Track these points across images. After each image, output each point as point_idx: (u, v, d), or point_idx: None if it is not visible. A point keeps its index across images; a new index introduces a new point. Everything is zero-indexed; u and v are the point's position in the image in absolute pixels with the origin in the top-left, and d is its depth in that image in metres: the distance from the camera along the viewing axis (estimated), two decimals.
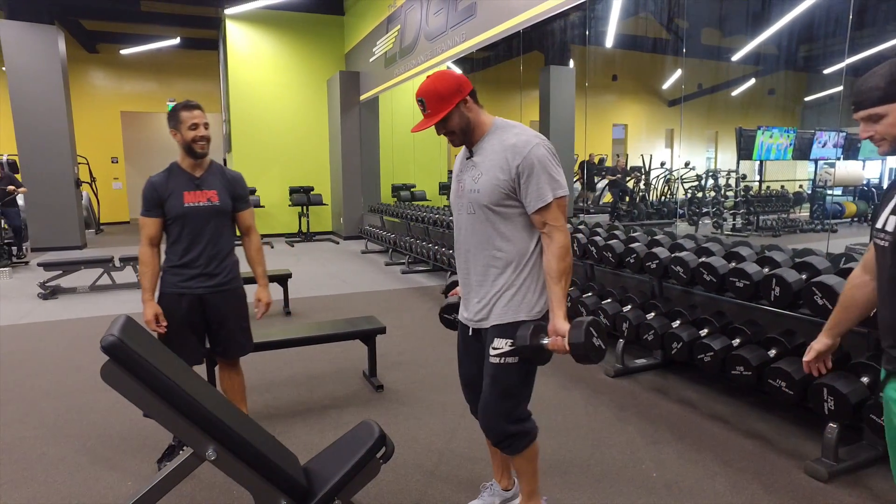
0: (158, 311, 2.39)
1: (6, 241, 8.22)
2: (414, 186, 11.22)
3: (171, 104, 2.55)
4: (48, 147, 9.36)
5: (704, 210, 10.02)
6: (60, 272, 6.19)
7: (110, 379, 1.49)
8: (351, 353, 3.97)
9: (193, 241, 2.44)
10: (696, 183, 10.25)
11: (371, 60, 9.94)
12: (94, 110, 13.56)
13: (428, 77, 1.77)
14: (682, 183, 10.94)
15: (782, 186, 11.38)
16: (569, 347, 1.67)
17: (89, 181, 12.19)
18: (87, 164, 12.25)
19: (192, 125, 2.39)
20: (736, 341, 3.01)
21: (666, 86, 15.32)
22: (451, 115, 1.76)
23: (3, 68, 9.18)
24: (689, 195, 10.38)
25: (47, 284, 6.14)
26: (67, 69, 9.80)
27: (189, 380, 1.64)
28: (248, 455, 1.61)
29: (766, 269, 2.90)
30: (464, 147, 1.88)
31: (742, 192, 9.95)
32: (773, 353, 2.81)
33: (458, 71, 11.86)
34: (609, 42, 10.54)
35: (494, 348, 1.82)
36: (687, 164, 11.64)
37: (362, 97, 10.47)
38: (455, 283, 2.18)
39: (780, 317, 3.03)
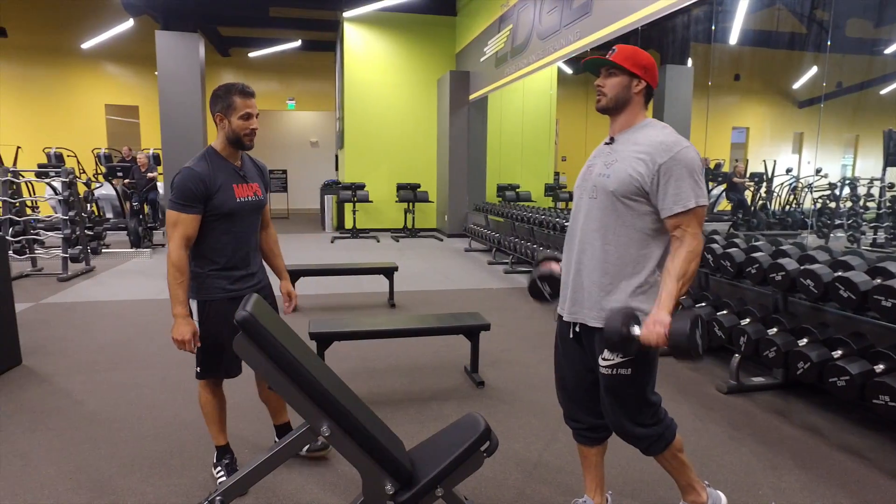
0: (196, 329, 2.10)
1: (148, 225, 9.22)
2: (518, 187, 11.15)
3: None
4: (186, 142, 10.37)
5: (837, 222, 9.06)
6: None
7: (241, 350, 1.62)
8: (452, 348, 4.03)
9: (241, 240, 2.18)
10: (829, 192, 9.30)
11: (481, 60, 10.00)
12: None
13: None
14: (811, 191, 9.98)
15: None
16: (669, 337, 1.54)
17: None
18: None
19: (244, 115, 2.09)
20: (879, 367, 2.70)
21: (797, 85, 14.00)
22: (621, 74, 1.74)
23: (156, 73, 10.30)
24: (818, 205, 9.44)
25: None
26: (205, 72, 10.78)
27: (310, 360, 1.74)
28: (359, 435, 1.67)
29: None
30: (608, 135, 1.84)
31: (888, 203, 8.88)
32: None
33: (569, 70, 11.70)
34: (734, 39, 9.83)
35: (605, 359, 1.75)
36: (818, 171, 10.60)
37: (471, 97, 10.57)
38: (545, 258, 2.09)
39: None
